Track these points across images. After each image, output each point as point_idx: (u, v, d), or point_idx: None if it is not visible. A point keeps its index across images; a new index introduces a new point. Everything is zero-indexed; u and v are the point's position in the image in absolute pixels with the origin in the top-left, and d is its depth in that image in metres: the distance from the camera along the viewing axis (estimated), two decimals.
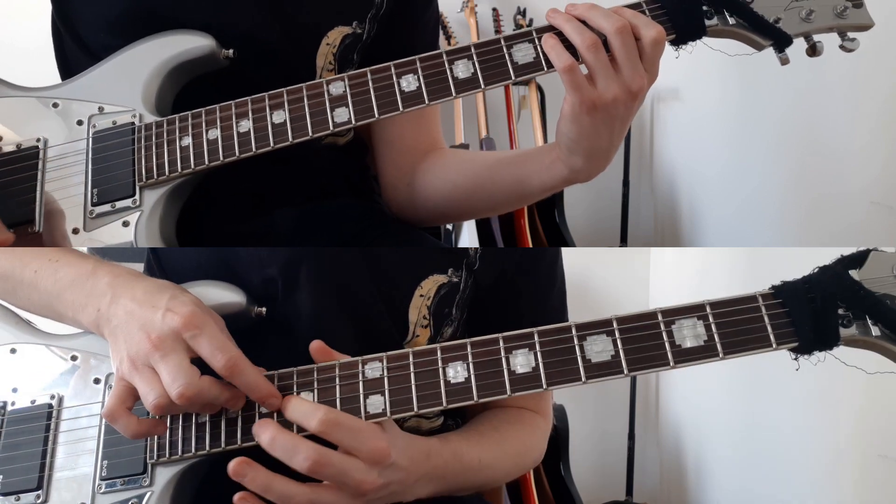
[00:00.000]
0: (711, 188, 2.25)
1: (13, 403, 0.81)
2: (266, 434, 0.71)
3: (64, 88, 0.89)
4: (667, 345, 0.68)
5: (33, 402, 0.81)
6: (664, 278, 2.38)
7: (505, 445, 0.88)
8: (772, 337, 0.67)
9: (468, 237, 1.85)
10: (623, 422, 2.30)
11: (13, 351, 0.84)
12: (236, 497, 0.71)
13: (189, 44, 0.87)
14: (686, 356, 0.68)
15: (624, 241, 2.50)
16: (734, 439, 1.88)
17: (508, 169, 0.93)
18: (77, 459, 0.78)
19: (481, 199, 0.97)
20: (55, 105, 0.88)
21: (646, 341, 0.69)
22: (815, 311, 0.67)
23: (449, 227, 1.82)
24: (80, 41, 0.93)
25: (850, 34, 0.82)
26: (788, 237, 1.83)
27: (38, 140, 0.86)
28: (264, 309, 0.82)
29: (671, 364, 0.68)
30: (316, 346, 0.75)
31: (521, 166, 0.92)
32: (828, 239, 1.65)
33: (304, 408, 0.71)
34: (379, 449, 0.70)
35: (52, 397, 0.81)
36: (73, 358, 0.82)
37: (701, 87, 2.22)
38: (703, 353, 0.68)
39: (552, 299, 0.96)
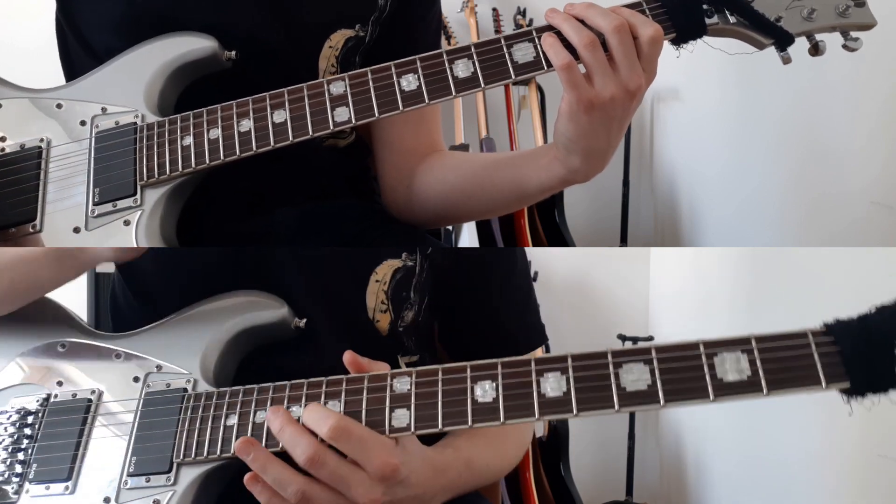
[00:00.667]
0: (711, 188, 2.25)
1: (56, 396, 0.84)
2: (276, 422, 0.71)
3: (68, 89, 0.89)
4: (707, 377, 0.64)
5: (74, 395, 0.83)
6: (664, 278, 2.38)
7: (506, 439, 0.89)
8: (821, 375, 0.62)
9: (468, 238, 1.85)
10: (623, 422, 2.30)
11: (63, 346, 0.87)
12: (246, 477, 0.70)
13: (192, 45, 0.87)
14: (727, 390, 0.64)
15: (624, 241, 2.50)
16: (734, 439, 1.88)
17: (506, 170, 0.93)
18: (109, 454, 0.79)
19: (480, 200, 0.97)
20: (59, 106, 0.88)
21: (685, 372, 0.65)
22: (870, 352, 0.62)
23: (449, 227, 1.82)
24: (83, 41, 0.94)
25: (853, 33, 0.81)
26: (788, 237, 1.83)
27: (42, 140, 0.87)
28: (304, 321, 0.83)
29: (711, 398, 0.64)
30: (348, 357, 0.75)
31: (519, 167, 0.91)
32: (828, 239, 1.65)
33: (318, 413, 0.70)
34: (387, 465, 0.68)
35: (93, 392, 0.83)
36: (118, 356, 0.85)
37: (701, 87, 2.21)
38: (746, 388, 0.63)
39: (516, 276, 0.97)
